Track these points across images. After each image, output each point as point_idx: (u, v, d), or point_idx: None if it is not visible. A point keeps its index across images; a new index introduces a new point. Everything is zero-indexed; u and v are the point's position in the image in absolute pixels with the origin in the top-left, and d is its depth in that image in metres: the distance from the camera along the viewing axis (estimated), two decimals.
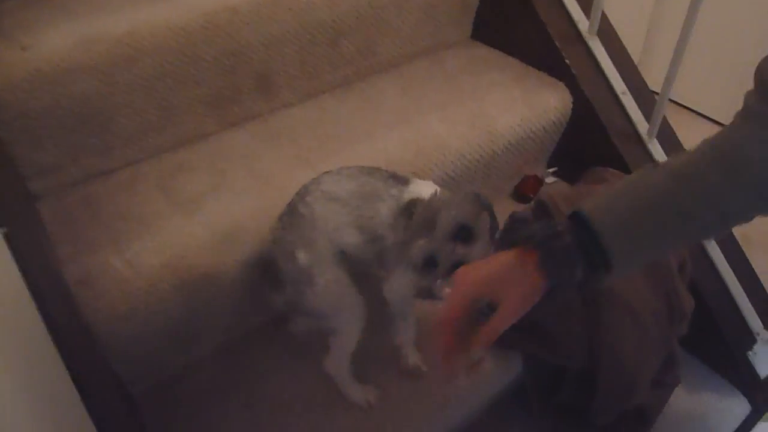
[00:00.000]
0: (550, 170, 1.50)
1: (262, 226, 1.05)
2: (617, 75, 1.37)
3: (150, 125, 1.19)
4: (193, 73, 1.17)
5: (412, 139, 1.22)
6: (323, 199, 0.98)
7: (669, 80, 1.22)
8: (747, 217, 0.71)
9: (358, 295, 0.99)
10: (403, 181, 0.98)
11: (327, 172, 1.01)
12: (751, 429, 1.37)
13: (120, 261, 1.00)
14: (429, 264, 0.87)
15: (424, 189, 0.95)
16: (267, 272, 1.02)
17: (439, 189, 0.92)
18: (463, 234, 0.86)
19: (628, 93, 1.36)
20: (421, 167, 1.19)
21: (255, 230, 1.05)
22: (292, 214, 1.00)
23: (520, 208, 1.41)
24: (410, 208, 0.90)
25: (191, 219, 1.07)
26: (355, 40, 1.34)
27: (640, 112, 1.35)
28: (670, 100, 1.25)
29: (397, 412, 1.06)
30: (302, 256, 0.97)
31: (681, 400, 1.28)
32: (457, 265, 0.81)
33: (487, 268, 0.71)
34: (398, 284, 1.00)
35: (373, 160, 1.16)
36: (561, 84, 1.39)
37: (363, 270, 1.02)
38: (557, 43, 1.39)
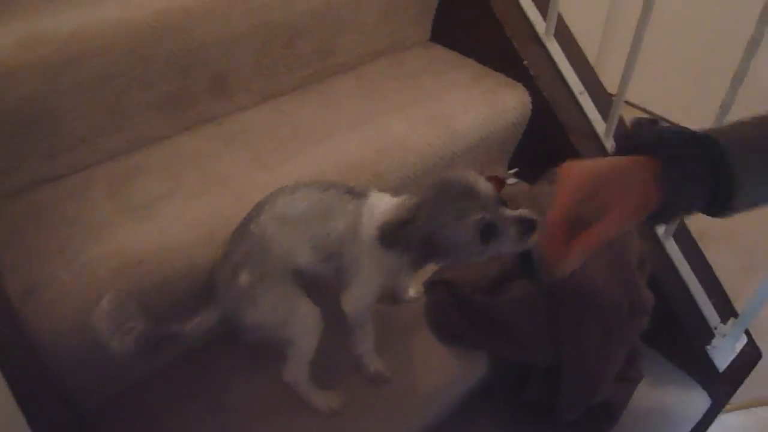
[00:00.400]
0: (512, 171, 1.51)
1: (218, 230, 1.02)
2: (574, 76, 1.38)
3: (100, 128, 1.14)
4: (145, 74, 1.13)
5: (373, 139, 1.20)
6: (276, 220, 0.95)
7: (625, 79, 1.24)
8: None
9: (312, 305, 0.98)
10: (360, 194, 0.96)
11: (282, 190, 0.99)
12: (711, 421, 1.39)
13: (68, 270, 0.96)
14: (488, 233, 0.81)
15: (383, 201, 0.94)
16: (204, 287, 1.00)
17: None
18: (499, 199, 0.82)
19: (586, 93, 1.38)
20: (383, 168, 1.17)
21: (210, 235, 1.01)
22: (243, 233, 0.97)
23: None
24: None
25: (144, 225, 1.03)
26: (312, 41, 1.32)
27: (597, 112, 1.36)
28: (626, 102, 1.27)
29: (364, 415, 1.03)
30: (244, 276, 0.94)
31: (644, 394, 1.30)
32: (523, 218, 0.79)
33: (599, 165, 0.63)
34: (356, 297, 0.98)
35: (333, 162, 1.15)
36: (519, 85, 1.40)
37: (319, 283, 1.01)
38: (515, 44, 1.39)
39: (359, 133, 1.22)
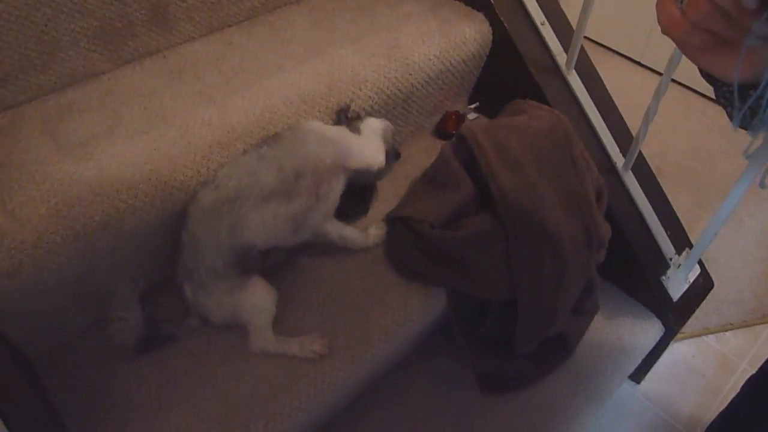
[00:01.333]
0: (472, 106, 1.47)
1: (161, 167, 0.97)
2: (536, 5, 1.34)
3: (30, 63, 1.06)
4: (75, 1, 1.04)
5: (326, 72, 1.15)
6: (203, 216, 0.99)
7: (585, 8, 1.20)
8: None
9: (259, 282, 1.03)
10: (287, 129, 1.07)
11: (202, 184, 1.00)
12: (664, 349, 1.44)
13: (1, 213, 0.90)
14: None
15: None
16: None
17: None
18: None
19: (548, 24, 1.34)
20: (335, 102, 1.12)
21: (153, 172, 0.96)
22: (179, 246, 1.01)
23: (441, 145, 1.39)
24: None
25: (82, 164, 0.96)
26: None
27: (559, 44, 1.33)
28: (588, 39, 1.24)
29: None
30: (187, 290, 1.01)
31: (599, 325, 1.33)
32: None
33: None
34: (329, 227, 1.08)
35: (283, 96, 1.10)
36: (480, 14, 1.34)
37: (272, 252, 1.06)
38: None
39: (311, 66, 1.16)
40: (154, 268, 1.07)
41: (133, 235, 0.97)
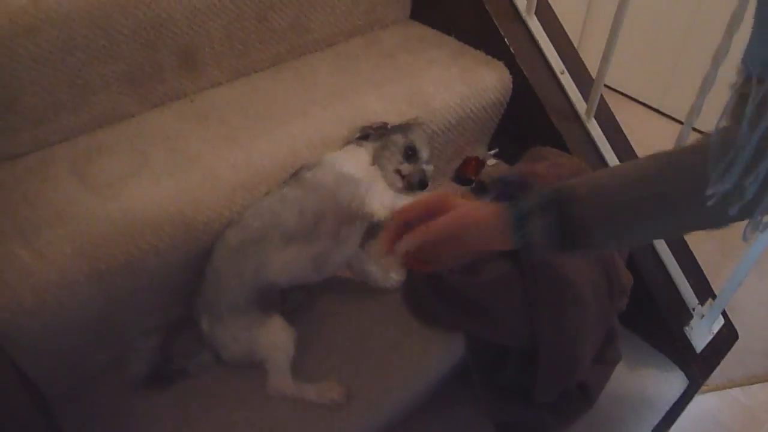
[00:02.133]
0: (491, 152, 1.48)
1: (185, 209, 0.98)
2: (556, 54, 1.36)
3: (62, 104, 1.09)
4: (108, 46, 1.08)
5: (348, 117, 1.17)
6: (228, 253, 1.01)
7: (606, 57, 1.22)
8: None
9: (278, 320, 1.02)
10: (309, 166, 1.06)
11: (231, 223, 1.03)
12: (688, 402, 1.40)
13: (27, 251, 0.91)
14: (410, 154, 1.06)
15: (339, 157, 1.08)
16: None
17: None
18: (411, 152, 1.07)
19: (567, 73, 1.35)
20: None
21: (178, 214, 0.98)
22: (201, 280, 1.03)
23: (461, 190, 1.39)
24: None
25: (108, 204, 0.98)
26: (286, 15, 1.28)
27: (578, 92, 1.34)
28: (607, 86, 1.25)
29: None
30: (204, 323, 1.02)
31: (621, 376, 1.29)
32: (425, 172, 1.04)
33: (472, 209, 0.74)
34: (377, 199, 1.04)
35: (307, 140, 1.12)
36: (500, 63, 1.37)
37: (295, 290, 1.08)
38: (495, 22, 1.36)
39: (334, 111, 1.18)
40: (174, 307, 1.07)
41: (155, 276, 0.98)
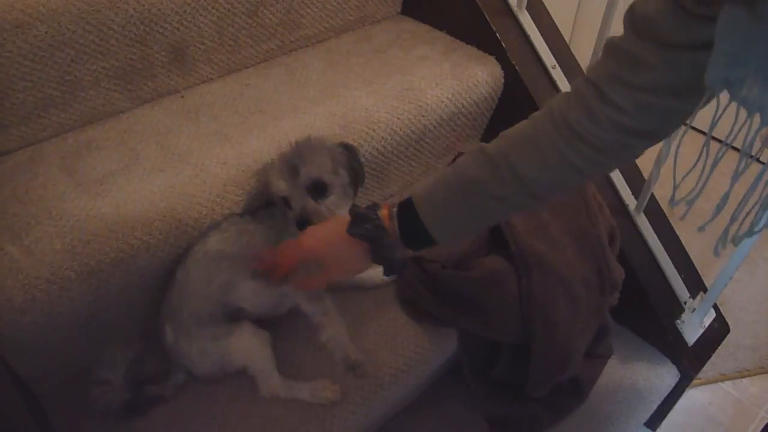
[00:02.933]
0: None
1: (176, 205, 0.98)
2: (547, 49, 1.36)
3: (51, 101, 1.08)
4: (98, 42, 1.07)
5: (340, 113, 1.16)
6: (206, 259, 0.98)
7: (597, 52, 1.22)
8: (561, 194, 0.81)
9: (247, 326, 1.00)
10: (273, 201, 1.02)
11: (216, 225, 1.01)
12: (680, 396, 1.41)
13: (17, 248, 0.91)
14: (286, 204, 0.98)
15: None
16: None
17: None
18: (319, 189, 0.96)
19: (558, 67, 1.36)
20: (350, 142, 1.13)
21: (168, 210, 0.97)
22: (171, 281, 0.99)
23: None
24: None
25: (98, 201, 0.98)
26: (277, 11, 1.27)
27: (569, 86, 1.34)
28: None
29: None
30: (168, 332, 0.98)
31: (613, 370, 1.30)
32: (304, 213, 0.95)
33: (327, 242, 0.87)
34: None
35: (298, 135, 1.11)
36: (491, 58, 1.37)
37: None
38: (487, 17, 1.36)
39: (326, 107, 1.18)
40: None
41: (146, 272, 0.98)
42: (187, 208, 0.99)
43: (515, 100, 1.37)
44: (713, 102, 0.65)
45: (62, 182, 1.02)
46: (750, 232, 0.71)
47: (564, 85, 1.34)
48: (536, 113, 0.78)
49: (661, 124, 0.72)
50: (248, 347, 0.99)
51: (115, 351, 0.97)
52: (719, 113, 0.66)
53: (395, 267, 0.86)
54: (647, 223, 1.29)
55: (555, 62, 1.35)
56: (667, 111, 0.69)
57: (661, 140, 0.75)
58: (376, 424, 1.15)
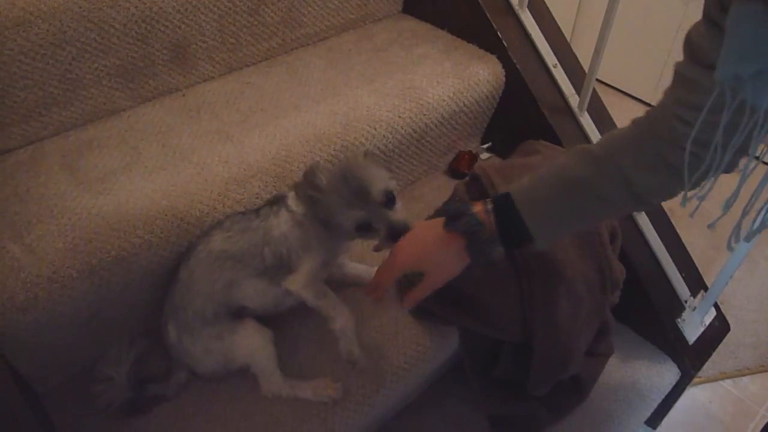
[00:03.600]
0: (485, 146, 1.48)
1: (178, 203, 0.98)
2: (548, 48, 1.36)
3: (53, 99, 1.09)
4: (99, 40, 1.07)
5: (341, 111, 1.16)
6: (209, 258, 0.97)
7: (598, 51, 1.22)
8: (662, 197, 0.82)
9: (251, 323, 1.00)
10: (276, 199, 1.00)
11: (219, 224, 0.99)
12: (680, 394, 1.41)
13: (18, 246, 0.91)
14: (363, 229, 0.92)
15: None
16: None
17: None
18: (390, 199, 0.91)
19: (559, 66, 1.36)
20: (351, 140, 1.14)
21: (170, 208, 0.97)
22: (173, 279, 0.99)
23: (454, 184, 1.39)
24: (311, 177, 0.93)
25: (100, 199, 0.98)
26: (279, 10, 1.27)
27: (571, 86, 1.34)
28: (601, 81, 1.26)
29: None
30: (171, 331, 0.98)
31: (614, 368, 1.30)
32: (394, 227, 0.89)
33: (422, 246, 0.86)
34: (302, 274, 0.98)
35: (299, 134, 1.12)
36: (492, 57, 1.37)
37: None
38: (488, 16, 1.36)
39: (327, 105, 1.18)
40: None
41: (147, 271, 0.98)
42: (189, 207, 0.99)
43: (516, 98, 1.37)
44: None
45: (64, 181, 1.02)
46: (761, 228, 0.71)
47: (565, 83, 1.34)
48: (638, 117, 0.79)
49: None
50: (252, 345, 0.99)
51: (119, 349, 0.97)
52: (731, 110, 0.64)
53: (488, 259, 0.85)
54: (648, 222, 1.29)
55: (556, 61, 1.35)
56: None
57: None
58: (378, 422, 1.16)
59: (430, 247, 0.86)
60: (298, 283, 0.97)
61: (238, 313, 1.00)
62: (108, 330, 1.02)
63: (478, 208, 0.83)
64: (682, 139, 0.70)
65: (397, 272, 0.89)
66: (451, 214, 0.84)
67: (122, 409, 0.96)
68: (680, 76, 0.70)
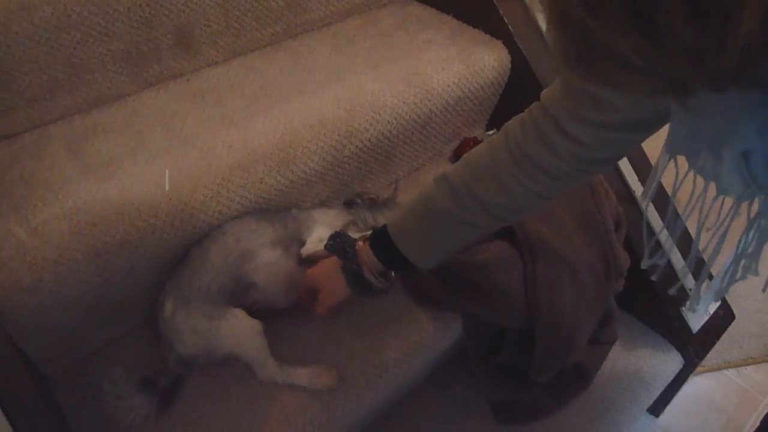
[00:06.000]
0: (490, 132, 1.48)
1: (182, 188, 0.98)
2: None
3: (58, 83, 1.09)
4: (104, 24, 1.07)
5: (345, 97, 1.16)
6: (225, 236, 1.01)
7: None
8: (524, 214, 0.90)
9: (241, 315, 0.99)
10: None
11: (241, 220, 1.04)
12: (683, 383, 1.41)
13: (24, 229, 0.91)
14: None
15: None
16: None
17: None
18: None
19: None
20: (355, 126, 1.13)
21: (174, 193, 0.97)
22: (183, 258, 1.01)
23: None
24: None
25: (105, 183, 0.98)
26: None
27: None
28: None
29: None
30: (168, 306, 0.99)
31: (618, 356, 1.30)
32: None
33: (320, 265, 0.98)
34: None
35: (303, 120, 1.11)
36: (498, 42, 1.35)
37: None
38: (494, 1, 1.35)
39: (331, 91, 1.18)
40: None
41: (152, 255, 0.98)
42: (193, 191, 0.99)
43: (522, 84, 1.36)
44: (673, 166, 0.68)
45: (69, 165, 1.02)
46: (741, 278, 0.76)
47: None
48: (494, 138, 0.80)
49: (623, 152, 0.76)
50: (238, 333, 0.98)
51: (122, 372, 0.97)
52: (680, 179, 0.70)
53: (363, 286, 0.91)
54: (654, 209, 1.28)
55: None
56: (630, 142, 0.71)
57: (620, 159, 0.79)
58: (380, 407, 1.16)
59: (321, 268, 0.97)
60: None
61: (244, 293, 1.01)
62: (113, 313, 1.03)
63: (361, 239, 0.92)
64: (558, 156, 0.71)
65: (305, 289, 0.99)
66: (331, 236, 0.93)
67: (146, 417, 0.95)
68: (580, 91, 0.68)
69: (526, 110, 0.77)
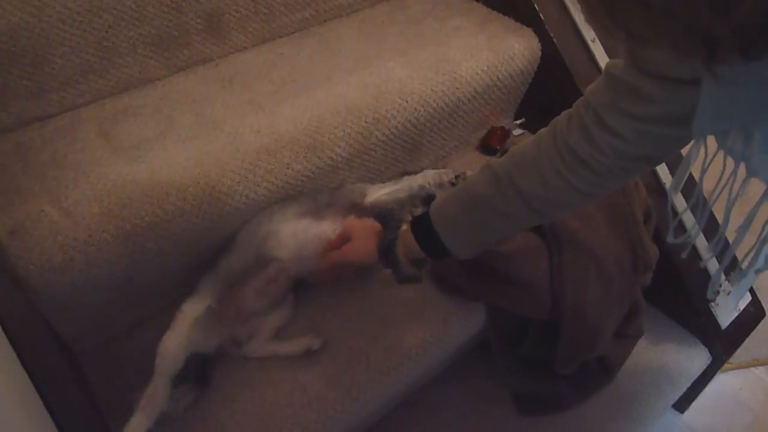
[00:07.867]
0: (518, 122, 1.46)
1: (210, 172, 0.99)
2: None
3: (89, 67, 1.10)
4: (135, 9, 1.08)
5: (373, 83, 1.15)
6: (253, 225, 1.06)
7: None
8: (562, 211, 0.88)
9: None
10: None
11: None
12: (710, 379, 1.39)
13: (56, 210, 0.93)
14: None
15: None
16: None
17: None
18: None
19: (598, 41, 1.32)
20: (382, 113, 1.13)
21: (202, 176, 0.98)
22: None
23: (486, 160, 1.38)
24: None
25: (134, 166, 0.99)
26: None
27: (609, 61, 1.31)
28: None
29: (359, 365, 1.03)
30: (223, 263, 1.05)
31: (643, 350, 1.29)
32: None
33: (360, 223, 1.00)
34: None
35: (331, 105, 1.11)
36: (528, 30, 1.33)
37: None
38: None
39: (359, 77, 1.17)
40: (199, 272, 1.08)
41: (180, 237, 0.99)
42: (221, 176, 1.00)
43: (552, 73, 1.34)
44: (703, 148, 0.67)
45: (100, 147, 1.03)
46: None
47: (604, 60, 1.30)
48: (542, 130, 0.80)
49: (662, 150, 0.74)
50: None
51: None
52: (708, 161, 0.69)
53: (391, 260, 0.92)
54: (684, 202, 1.26)
55: (595, 35, 1.31)
56: (668, 138, 0.70)
57: (662, 162, 0.77)
58: (402, 395, 1.17)
59: (364, 223, 0.98)
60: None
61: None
62: (140, 295, 1.05)
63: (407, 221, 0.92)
64: (598, 149, 0.71)
65: (340, 234, 1.00)
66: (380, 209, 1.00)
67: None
68: (618, 81, 0.68)
69: (573, 104, 0.77)
